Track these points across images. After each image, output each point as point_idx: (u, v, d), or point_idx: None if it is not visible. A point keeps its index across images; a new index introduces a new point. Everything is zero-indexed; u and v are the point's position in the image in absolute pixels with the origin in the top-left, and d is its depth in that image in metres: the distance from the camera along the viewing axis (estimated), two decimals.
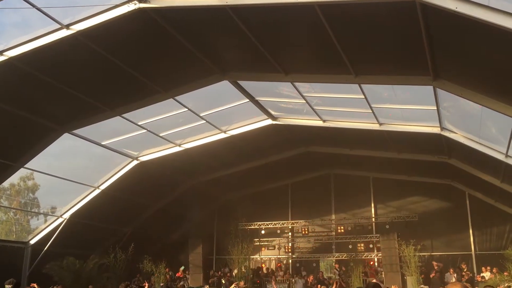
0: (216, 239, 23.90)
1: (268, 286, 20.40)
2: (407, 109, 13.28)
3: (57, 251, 16.65)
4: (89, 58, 10.57)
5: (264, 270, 22.13)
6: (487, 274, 17.53)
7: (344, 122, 14.96)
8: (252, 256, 22.39)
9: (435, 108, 11.78)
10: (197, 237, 22.06)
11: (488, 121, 11.16)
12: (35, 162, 14.40)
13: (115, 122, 13.79)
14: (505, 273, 15.74)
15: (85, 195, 17.17)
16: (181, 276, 21.31)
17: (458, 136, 12.92)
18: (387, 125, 14.12)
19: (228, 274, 20.95)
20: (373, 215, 21.65)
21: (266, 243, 23.12)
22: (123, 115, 13.53)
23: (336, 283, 17.47)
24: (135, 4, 8.89)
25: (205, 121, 15.00)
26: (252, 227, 22.47)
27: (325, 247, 22.32)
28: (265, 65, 11.19)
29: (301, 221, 22.46)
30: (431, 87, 10.41)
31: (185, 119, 14.74)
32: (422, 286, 14.69)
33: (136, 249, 17.79)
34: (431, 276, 17.90)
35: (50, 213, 19.74)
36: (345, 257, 21.08)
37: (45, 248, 16.87)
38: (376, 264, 20.83)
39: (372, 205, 21.77)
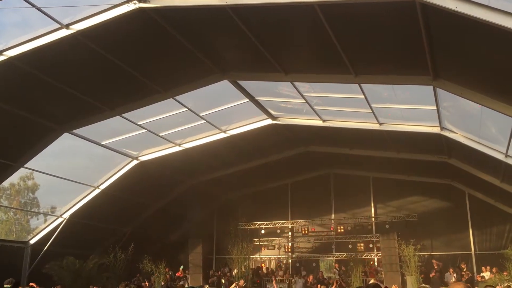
0: (216, 239, 23.91)
1: (268, 286, 20.40)
2: (407, 109, 13.28)
3: (57, 251, 16.66)
4: (88, 57, 10.56)
5: (264, 270, 22.13)
6: (487, 274, 17.53)
7: (344, 122, 14.96)
8: (252, 256, 22.39)
9: (435, 108, 11.78)
10: (197, 237, 22.05)
11: (488, 120, 11.16)
12: (35, 162, 14.41)
13: (115, 121, 13.79)
14: (505, 273, 15.75)
15: (85, 195, 17.17)
16: (181, 275, 21.31)
17: (458, 135, 12.92)
18: (387, 125, 14.12)
19: (228, 274, 20.96)
20: (373, 215, 21.65)
21: (266, 243, 23.13)
22: (123, 114, 13.53)
23: (336, 283, 17.47)
24: (135, 4, 8.89)
25: (205, 121, 15.00)
26: (252, 226, 22.47)
27: (325, 247, 22.32)
28: (265, 65, 11.18)
29: (301, 220, 22.46)
30: (431, 87, 10.42)
31: (185, 118, 14.74)
32: (423, 285, 14.63)
33: (136, 249, 17.79)
34: (431, 275, 17.90)
35: (50, 213, 19.74)
36: (345, 257, 21.08)
37: (45, 248, 16.87)
38: (376, 264, 20.84)
39: (372, 204, 21.78)
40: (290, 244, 22.73)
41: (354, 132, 15.38)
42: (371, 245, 20.95)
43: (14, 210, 31.02)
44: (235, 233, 20.41)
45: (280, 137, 17.20)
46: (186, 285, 18.80)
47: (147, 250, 18.98)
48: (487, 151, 12.34)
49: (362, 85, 11.43)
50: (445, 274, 18.06)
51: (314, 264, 22.35)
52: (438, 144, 14.55)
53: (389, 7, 7.84)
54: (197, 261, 21.30)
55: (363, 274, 19.18)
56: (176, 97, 13.01)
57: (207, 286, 19.97)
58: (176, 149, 16.78)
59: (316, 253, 22.46)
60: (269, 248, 23.14)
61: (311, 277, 20.11)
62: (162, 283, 17.93)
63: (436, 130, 13.24)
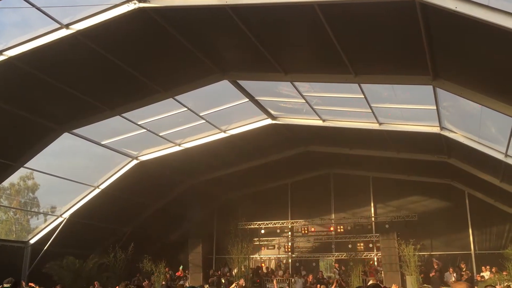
0: (216, 239, 23.91)
1: (268, 286, 20.40)
2: (406, 109, 13.28)
3: (56, 251, 16.66)
4: (88, 57, 10.56)
5: (264, 270, 22.14)
6: (486, 274, 17.54)
7: (344, 121, 14.97)
8: (251, 256, 22.39)
9: (435, 107, 11.78)
10: (196, 237, 22.05)
11: (487, 120, 11.16)
12: (35, 162, 14.41)
13: (114, 121, 13.79)
14: (504, 273, 15.77)
15: (85, 194, 17.17)
16: (181, 275, 21.32)
17: (458, 135, 12.93)
18: (386, 125, 14.12)
19: (228, 274, 20.96)
20: (373, 215, 21.66)
21: (265, 243, 23.14)
22: (123, 114, 13.53)
23: (337, 282, 17.48)
24: (135, 3, 8.89)
25: (204, 121, 15.01)
26: (252, 226, 22.48)
27: (324, 246, 22.34)
28: (265, 64, 11.19)
29: (300, 220, 22.47)
30: (430, 87, 10.42)
31: (185, 118, 14.74)
32: (425, 285, 14.63)
33: (135, 248, 17.80)
34: (430, 275, 17.91)
35: (50, 213, 19.76)
36: (344, 256, 21.09)
37: (45, 248, 16.87)
38: (375, 263, 20.85)
39: (372, 204, 21.79)
40: (290, 244, 22.74)
41: (354, 132, 15.39)
42: (371, 245, 20.96)
43: (14, 210, 31.04)
44: (235, 233, 20.42)
45: (280, 137, 17.21)
46: (186, 285, 18.80)
47: (147, 250, 18.99)
48: (487, 151, 12.35)
49: (362, 85, 11.43)
50: (445, 274, 18.07)
51: (314, 264, 22.37)
52: (438, 144, 14.55)
53: (388, 7, 7.85)
54: (197, 261, 21.30)
55: (362, 274, 19.20)
56: (176, 97, 13.01)
57: (207, 286, 19.97)
58: (176, 149, 16.78)
59: (316, 253, 22.47)
60: (269, 248, 23.15)
61: (310, 276, 20.11)
62: (163, 283, 17.92)
63: (436, 130, 13.25)
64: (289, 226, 22.79)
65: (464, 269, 18.49)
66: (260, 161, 19.34)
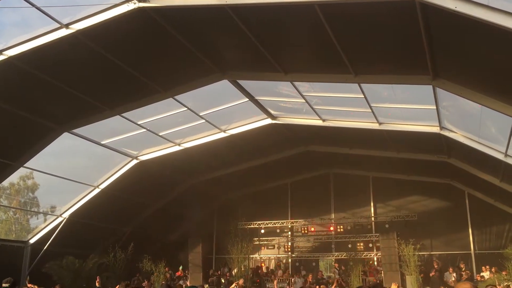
0: (216, 239, 23.92)
1: (268, 285, 20.40)
2: (406, 109, 13.28)
3: (56, 251, 16.65)
4: (88, 57, 10.56)
5: (264, 270, 22.15)
6: (486, 274, 17.54)
7: (344, 121, 14.97)
8: (251, 256, 22.40)
9: (435, 107, 11.78)
10: (196, 237, 22.05)
11: (487, 120, 11.16)
12: (35, 162, 14.40)
13: (114, 121, 13.78)
14: (504, 272, 15.77)
15: (85, 194, 17.16)
16: (181, 275, 21.32)
17: (458, 135, 12.93)
18: (386, 125, 14.12)
19: (228, 274, 20.96)
20: (373, 215, 21.67)
21: (265, 243, 23.15)
22: (123, 114, 13.52)
23: (337, 282, 17.48)
24: (135, 3, 8.89)
25: (204, 121, 15.00)
26: (252, 226, 22.48)
27: (324, 246, 22.34)
28: (265, 64, 11.18)
29: (300, 220, 22.47)
30: (430, 87, 10.42)
31: (184, 118, 14.73)
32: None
33: (135, 248, 17.79)
34: (430, 275, 17.91)
35: (49, 213, 19.76)
36: (344, 256, 21.10)
37: (45, 248, 16.86)
38: (375, 263, 20.86)
39: (372, 204, 21.80)
40: (289, 243, 22.75)
41: (353, 132, 15.39)
42: (370, 245, 20.97)
43: (14, 209, 31.04)
44: (235, 233, 20.42)
45: (280, 136, 17.21)
46: (187, 284, 18.80)
47: (147, 249, 18.98)
48: (486, 151, 12.35)
49: (362, 84, 11.43)
50: (445, 274, 18.07)
51: (313, 264, 22.37)
52: (437, 143, 14.55)
53: (388, 6, 7.85)
54: (196, 260, 21.30)
55: (362, 273, 19.21)
56: (176, 97, 13.01)
57: (207, 285, 19.98)
58: (176, 148, 16.78)
59: (316, 253, 22.47)
60: (269, 247, 23.16)
61: (310, 276, 20.10)
62: (162, 282, 17.91)
63: (435, 129, 13.25)
64: (289, 226, 22.79)
65: (463, 269, 18.49)
66: (260, 161, 19.34)
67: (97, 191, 17.05)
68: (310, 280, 19.77)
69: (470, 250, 19.58)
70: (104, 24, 9.24)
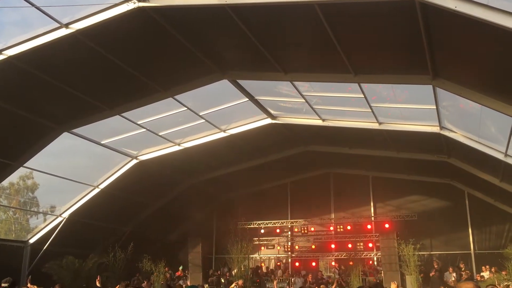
0: (216, 238, 23.92)
1: (268, 285, 20.40)
2: (406, 108, 13.28)
3: (56, 250, 16.64)
4: (88, 57, 10.56)
5: (264, 269, 22.15)
6: (486, 274, 17.53)
7: (344, 121, 14.98)
8: (251, 255, 22.39)
9: (435, 107, 11.78)
10: (196, 236, 22.06)
11: (487, 120, 11.16)
12: (34, 161, 14.38)
13: (114, 121, 13.78)
14: (503, 272, 15.76)
15: (85, 194, 17.15)
16: (180, 275, 21.32)
17: (458, 135, 12.93)
18: (386, 124, 14.12)
19: (227, 274, 20.95)
20: (373, 214, 21.66)
21: (265, 242, 23.16)
22: (123, 114, 13.51)
23: (337, 282, 17.48)
24: (134, 3, 8.89)
25: (204, 120, 15.00)
26: (252, 226, 22.48)
27: (324, 246, 22.32)
28: (265, 64, 11.18)
29: (300, 220, 22.47)
30: (430, 86, 10.43)
31: (184, 118, 14.73)
32: None
33: (135, 248, 17.77)
34: (430, 275, 17.90)
35: (49, 212, 19.73)
36: (344, 256, 21.09)
37: (45, 247, 16.84)
38: (375, 263, 20.86)
39: (372, 204, 21.80)
40: (289, 243, 22.74)
41: (353, 132, 15.39)
42: (370, 245, 20.97)
43: (13, 209, 31.02)
44: (234, 233, 20.41)
45: (280, 136, 17.21)
46: (187, 283, 18.80)
47: (146, 249, 18.96)
48: (486, 151, 12.35)
49: (362, 84, 11.43)
50: (445, 274, 18.07)
51: (313, 264, 22.37)
52: (437, 143, 14.56)
53: (388, 6, 7.85)
54: (196, 260, 21.31)
55: (362, 273, 19.20)
56: (176, 97, 13.01)
57: (207, 285, 19.98)
58: (176, 148, 16.77)
59: (316, 253, 22.47)
60: (269, 247, 23.17)
61: (310, 276, 20.11)
62: (161, 282, 17.90)
63: (435, 129, 13.25)
64: (289, 226, 22.79)
65: (463, 269, 18.49)
66: (260, 161, 19.34)
67: (97, 191, 17.04)
68: (310, 280, 19.78)
69: (470, 250, 19.59)
70: (104, 23, 9.25)
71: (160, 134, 15.59)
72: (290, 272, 21.71)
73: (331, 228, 21.91)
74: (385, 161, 18.46)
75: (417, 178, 20.40)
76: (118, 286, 13.26)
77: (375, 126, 14.20)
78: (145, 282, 18.03)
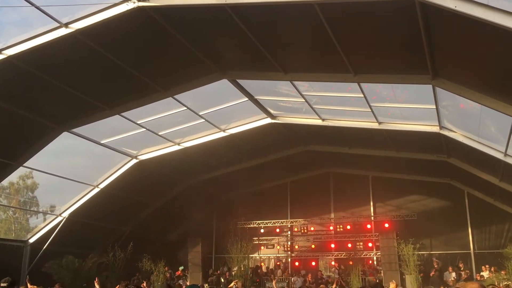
0: (215, 238, 23.91)
1: (267, 285, 20.41)
2: (406, 108, 13.28)
3: (56, 250, 16.65)
4: (88, 56, 10.56)
5: (264, 269, 22.15)
6: (486, 273, 17.53)
7: (343, 121, 14.98)
8: (251, 255, 22.39)
9: (434, 107, 11.78)
10: (196, 236, 22.06)
11: (487, 120, 11.17)
12: (34, 161, 14.39)
13: (114, 120, 13.78)
14: (503, 272, 15.77)
15: (84, 193, 17.15)
16: (180, 274, 21.31)
17: (457, 135, 12.93)
18: (386, 124, 14.12)
19: (227, 273, 20.96)
20: (372, 214, 21.66)
21: (265, 242, 23.16)
22: (122, 113, 13.51)
23: (337, 283, 17.48)
24: (134, 2, 8.88)
25: (204, 120, 15.00)
26: (251, 225, 22.49)
27: (324, 245, 22.32)
28: (264, 64, 11.19)
29: (300, 219, 22.48)
30: (430, 86, 10.42)
31: (184, 118, 14.73)
32: (430, 286, 14.64)
33: (135, 248, 17.78)
34: (430, 274, 17.92)
35: (49, 212, 19.73)
36: (344, 256, 21.10)
37: (44, 247, 16.85)
38: (375, 263, 20.86)
39: (371, 203, 21.80)
40: (289, 243, 22.75)
41: (353, 131, 15.39)
42: (370, 244, 20.98)
43: (13, 209, 31.01)
44: (234, 232, 20.43)
45: (280, 136, 17.20)
46: (186, 284, 18.80)
47: (146, 249, 18.97)
48: (486, 150, 12.35)
49: (362, 84, 11.43)
50: (444, 273, 18.08)
51: (313, 263, 22.37)
52: (437, 143, 14.56)
53: (388, 6, 7.85)
54: (196, 260, 21.31)
55: (362, 273, 19.20)
56: (176, 96, 13.00)
57: (206, 285, 19.98)
58: (176, 148, 16.77)
59: (315, 252, 22.47)
60: (268, 247, 23.18)
61: (310, 276, 20.13)
62: (160, 282, 17.90)
63: (435, 129, 13.25)
64: (289, 225, 22.80)
65: (462, 268, 18.50)
66: (260, 160, 19.34)
67: (96, 190, 17.04)
68: (309, 279, 19.79)
69: (470, 249, 19.59)
70: (103, 23, 9.24)
71: (160, 133, 15.58)
72: (289, 272, 21.71)
73: (331, 228, 21.89)
74: (384, 161, 18.46)
75: (417, 178, 20.39)
76: (118, 286, 13.29)
77: (375, 126, 14.20)
78: (145, 282, 18.05)
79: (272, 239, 23.07)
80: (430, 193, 20.63)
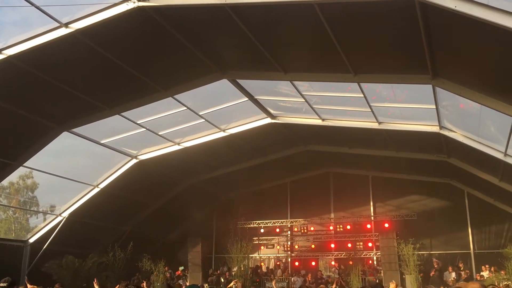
0: (215, 238, 23.90)
1: (267, 285, 20.41)
2: (406, 108, 13.28)
3: (56, 250, 16.65)
4: (88, 56, 10.56)
5: (264, 269, 22.15)
6: (486, 273, 17.53)
7: (343, 120, 14.98)
8: (251, 255, 22.39)
9: (434, 107, 11.78)
10: (196, 236, 22.06)
11: (487, 120, 11.17)
12: (34, 161, 14.39)
13: (114, 120, 13.78)
14: (502, 272, 15.77)
15: (84, 193, 17.15)
16: (180, 274, 21.31)
17: (457, 135, 12.93)
18: (386, 124, 14.12)
19: (227, 273, 20.96)
20: (372, 214, 21.66)
21: (265, 242, 23.16)
22: (122, 113, 13.51)
23: (336, 283, 17.48)
24: (134, 2, 8.88)
25: (204, 120, 15.00)
26: (251, 225, 22.48)
27: (324, 245, 22.33)
28: (264, 63, 11.19)
29: (300, 219, 22.48)
30: (430, 86, 10.43)
31: (184, 117, 14.73)
32: (431, 286, 14.61)
33: (135, 247, 17.78)
34: (431, 274, 17.92)
35: (49, 212, 19.73)
36: (344, 255, 21.09)
37: (44, 247, 16.85)
38: (375, 262, 20.86)
39: (371, 203, 21.79)
40: (289, 243, 22.75)
41: (353, 131, 15.39)
42: (370, 244, 20.98)
43: (13, 209, 31.02)
44: (234, 232, 20.42)
45: (279, 136, 17.21)
46: (186, 284, 18.80)
47: (146, 249, 18.97)
48: (486, 150, 12.35)
49: (361, 84, 11.43)
50: (444, 273, 18.08)
51: (313, 263, 22.38)
52: (437, 143, 14.56)
53: (388, 6, 7.85)
54: (196, 260, 21.31)
55: (362, 273, 19.20)
56: (176, 96, 13.01)
57: (206, 285, 19.98)
58: (176, 148, 16.77)
59: (315, 252, 22.47)
60: (268, 247, 23.18)
61: (309, 276, 20.13)
62: (159, 283, 17.90)
63: (435, 129, 13.25)
64: (289, 225, 22.79)
65: (462, 268, 18.49)
66: (260, 160, 19.34)
67: (96, 190, 17.04)
68: (309, 279, 19.79)
69: (470, 249, 19.59)
70: (103, 23, 9.25)
71: (159, 133, 15.59)
72: (289, 272, 21.70)
73: (331, 228, 21.88)
74: (384, 160, 18.46)
75: (417, 178, 20.39)
76: (117, 285, 13.27)
77: (375, 125, 14.20)
78: (145, 282, 18.04)
79: (272, 239, 23.07)
80: (430, 193, 20.63)
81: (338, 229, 21.51)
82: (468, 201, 19.90)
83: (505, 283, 14.57)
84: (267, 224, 22.57)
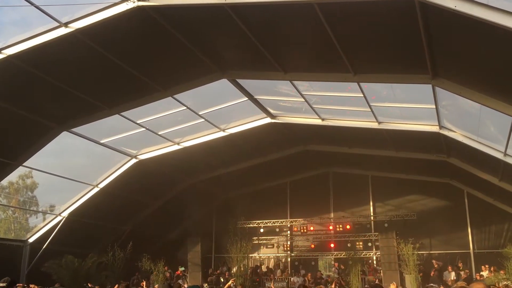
0: (215, 238, 23.89)
1: (267, 285, 20.41)
2: (405, 108, 13.28)
3: (55, 249, 16.63)
4: (87, 56, 10.55)
5: (263, 269, 22.14)
6: (485, 273, 17.53)
7: (343, 120, 14.98)
8: (250, 255, 22.39)
9: (434, 106, 11.78)
10: (196, 236, 22.04)
11: (487, 119, 11.16)
12: (34, 160, 14.40)
13: (113, 120, 13.78)
14: (502, 272, 15.77)
15: (84, 193, 17.16)
16: (180, 274, 21.31)
17: (457, 134, 12.93)
18: (385, 124, 14.12)
19: (227, 273, 20.96)
20: (372, 214, 21.66)
21: (265, 242, 23.16)
22: (122, 113, 13.52)
23: (335, 283, 17.48)
24: (134, 2, 8.88)
25: (204, 120, 15.00)
26: (251, 225, 22.48)
27: (323, 245, 22.33)
28: (264, 63, 11.18)
29: (299, 219, 22.48)
30: (430, 86, 10.42)
31: (184, 117, 14.73)
32: (431, 284, 14.60)
33: (134, 247, 17.76)
34: (431, 274, 17.92)
35: (48, 212, 19.72)
36: (343, 255, 21.10)
37: (44, 247, 16.87)
38: (374, 262, 20.86)
39: (371, 203, 21.79)
40: (289, 242, 22.75)
41: (353, 131, 15.39)
42: (370, 244, 20.98)
43: (13, 208, 31.03)
44: (234, 232, 20.41)
45: (279, 135, 17.21)
46: (186, 284, 18.80)
47: (146, 248, 18.97)
48: (486, 150, 12.35)
49: (361, 84, 11.43)
50: (444, 273, 18.08)
51: (313, 263, 22.37)
52: (437, 143, 14.56)
53: (388, 5, 7.85)
54: (196, 259, 21.28)
55: (361, 273, 19.20)
56: (175, 96, 13.01)
57: (206, 284, 19.97)
58: (175, 147, 16.78)
59: (315, 252, 22.47)
60: (268, 246, 23.17)
61: (309, 275, 20.12)
62: (159, 283, 17.89)
63: (435, 129, 13.25)
64: (288, 225, 22.79)
65: (461, 268, 18.50)
66: (259, 160, 19.34)
67: (96, 190, 17.05)
68: (309, 279, 19.78)
69: (469, 249, 19.59)
70: (103, 23, 9.25)
71: (159, 133, 15.59)
72: (289, 272, 21.70)
73: (331, 228, 21.87)
74: (384, 160, 18.47)
75: (417, 178, 20.39)
76: (117, 285, 13.26)
77: (375, 125, 14.20)
78: (144, 282, 18.06)
79: (272, 238, 23.06)
80: (429, 193, 20.63)
81: (338, 229, 21.52)
82: (467, 201, 19.90)
83: (505, 283, 14.57)
84: (266, 224, 22.57)
